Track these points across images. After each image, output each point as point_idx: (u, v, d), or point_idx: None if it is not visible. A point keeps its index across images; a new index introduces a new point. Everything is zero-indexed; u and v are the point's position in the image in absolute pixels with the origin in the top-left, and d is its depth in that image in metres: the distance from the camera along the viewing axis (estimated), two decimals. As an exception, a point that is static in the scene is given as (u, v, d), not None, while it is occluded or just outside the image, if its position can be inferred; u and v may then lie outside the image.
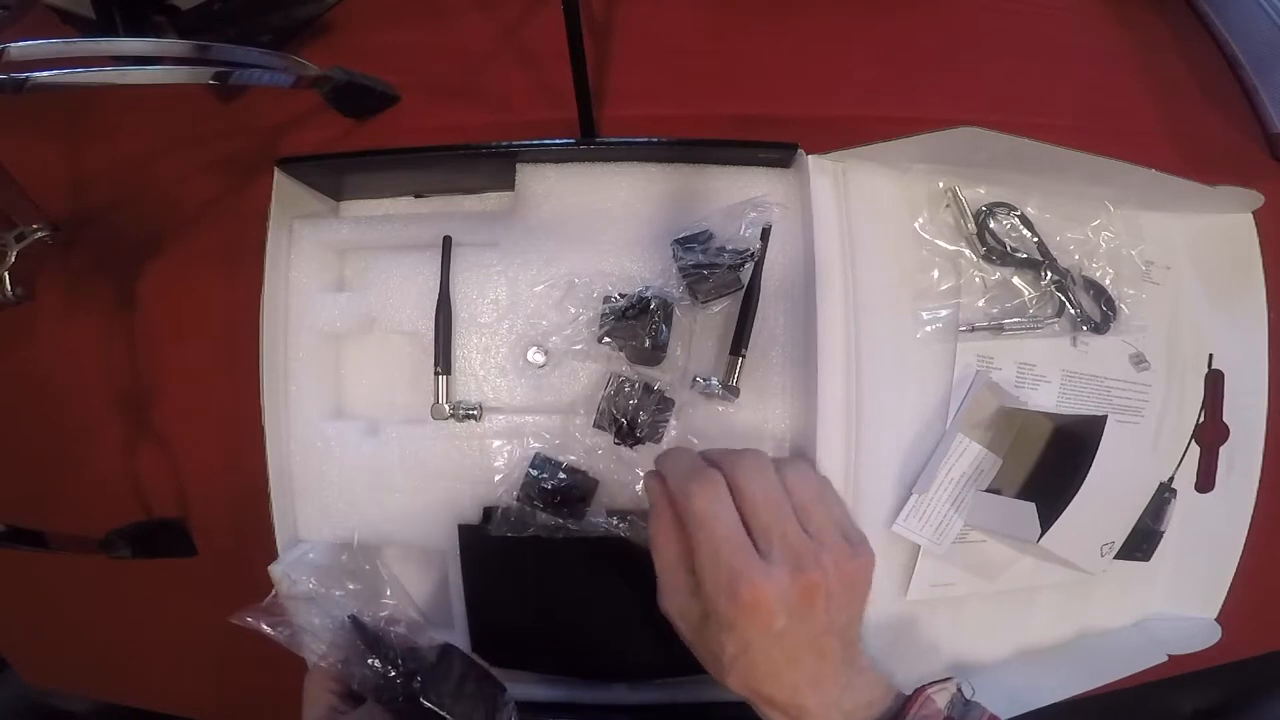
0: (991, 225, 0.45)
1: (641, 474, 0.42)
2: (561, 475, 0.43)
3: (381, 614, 0.39)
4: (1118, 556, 0.43)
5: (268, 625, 0.37)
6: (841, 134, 0.43)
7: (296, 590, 0.40)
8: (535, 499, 0.42)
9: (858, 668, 0.34)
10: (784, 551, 0.31)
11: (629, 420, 0.42)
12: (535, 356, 0.44)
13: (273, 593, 0.40)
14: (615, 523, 0.43)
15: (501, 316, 0.45)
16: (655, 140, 0.44)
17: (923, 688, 0.33)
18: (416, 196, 0.48)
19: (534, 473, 0.43)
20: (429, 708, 0.34)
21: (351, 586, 0.41)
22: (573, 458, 0.43)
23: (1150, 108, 0.52)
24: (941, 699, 0.33)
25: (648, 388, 0.42)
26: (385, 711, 0.35)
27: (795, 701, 0.32)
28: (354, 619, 0.38)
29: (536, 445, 0.44)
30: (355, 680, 0.36)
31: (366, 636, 0.37)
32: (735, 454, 0.33)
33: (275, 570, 0.42)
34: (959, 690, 0.34)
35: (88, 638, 0.53)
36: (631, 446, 0.42)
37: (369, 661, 0.36)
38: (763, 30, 0.51)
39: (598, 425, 0.43)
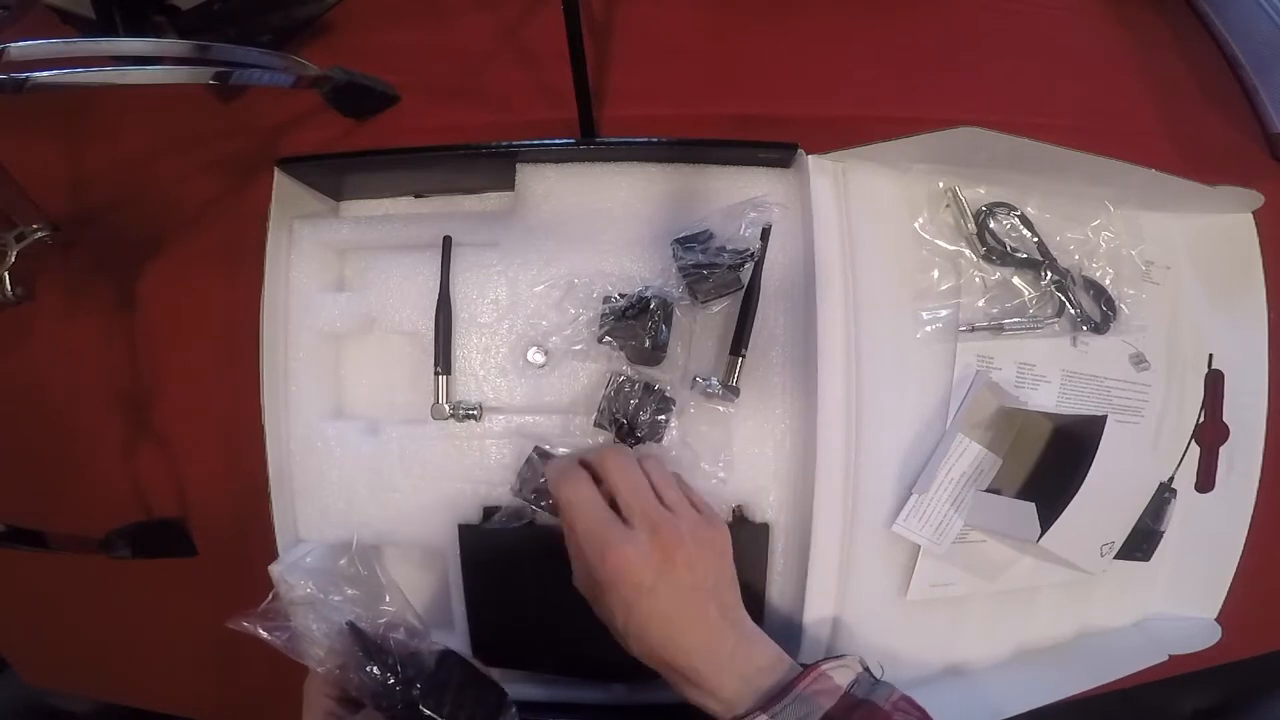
0: (991, 225, 0.45)
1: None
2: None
3: (380, 620, 0.39)
4: (1118, 556, 0.43)
5: (265, 630, 0.36)
6: (841, 134, 0.43)
7: (294, 595, 0.40)
8: (532, 494, 0.42)
9: (745, 633, 0.36)
10: (643, 520, 0.35)
11: (629, 420, 0.42)
12: (535, 356, 0.44)
13: (270, 595, 0.40)
14: None
15: (501, 316, 0.45)
16: (655, 140, 0.44)
17: (818, 663, 0.34)
18: (416, 196, 0.48)
19: (531, 469, 0.43)
20: (428, 715, 0.34)
21: (350, 591, 0.40)
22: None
23: (1150, 108, 0.52)
24: (841, 676, 0.34)
25: (648, 387, 0.42)
26: (384, 718, 0.35)
27: (690, 664, 0.34)
28: (352, 625, 0.37)
29: (541, 444, 0.44)
30: (354, 686, 0.36)
31: (365, 642, 0.36)
32: (601, 449, 0.39)
33: (274, 571, 0.42)
34: (865, 670, 0.35)
35: (88, 638, 0.53)
36: (632, 446, 0.42)
37: (367, 668, 0.35)
38: (763, 30, 0.51)
39: (598, 424, 0.43)
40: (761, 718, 0.32)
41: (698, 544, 0.36)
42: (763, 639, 0.37)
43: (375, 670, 0.35)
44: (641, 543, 0.35)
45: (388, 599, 0.42)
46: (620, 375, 0.43)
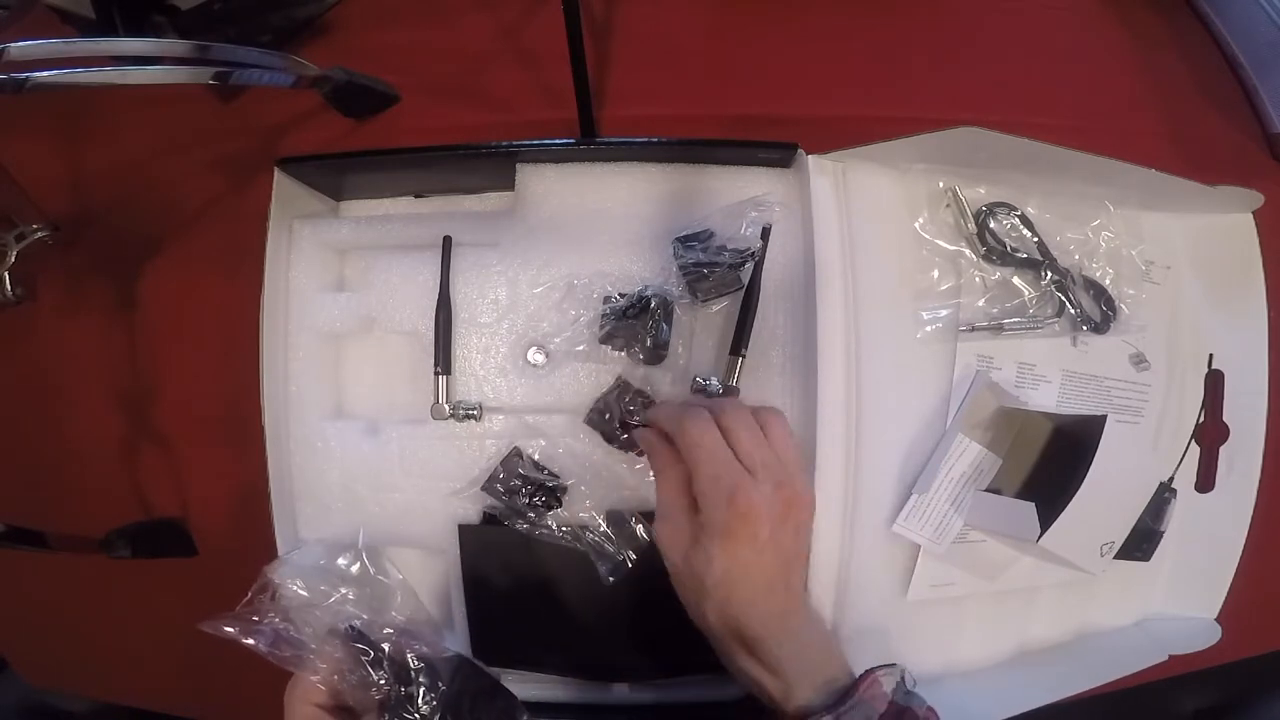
0: (991, 225, 0.45)
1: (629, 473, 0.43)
2: (533, 472, 0.42)
3: (389, 623, 0.37)
4: (1118, 556, 0.43)
5: (242, 633, 0.34)
6: (841, 134, 0.43)
7: (286, 592, 0.38)
8: (504, 493, 0.42)
9: (809, 614, 0.37)
10: (765, 471, 0.35)
11: (620, 421, 0.42)
12: (535, 357, 0.44)
13: (248, 595, 0.37)
14: (578, 531, 0.43)
15: (501, 316, 0.45)
16: (655, 140, 0.44)
17: (871, 670, 0.35)
18: (416, 196, 0.48)
19: (506, 466, 0.43)
20: None
21: (351, 593, 0.39)
22: (574, 457, 0.43)
23: (1150, 108, 0.52)
24: (888, 683, 0.34)
25: (643, 395, 0.42)
26: None
27: (760, 633, 0.34)
28: (354, 629, 0.35)
29: (540, 444, 0.44)
30: (355, 696, 0.34)
31: (369, 647, 0.34)
32: (717, 399, 0.39)
33: (267, 569, 0.40)
34: (902, 678, 0.35)
35: (88, 638, 0.53)
36: (617, 446, 0.43)
37: (376, 677, 0.33)
38: (762, 30, 0.51)
39: (588, 421, 0.43)
40: (827, 719, 0.32)
41: (807, 510, 0.37)
42: (820, 622, 0.38)
43: (384, 680, 0.34)
44: (766, 493, 0.34)
45: (399, 599, 0.40)
46: (622, 380, 0.43)
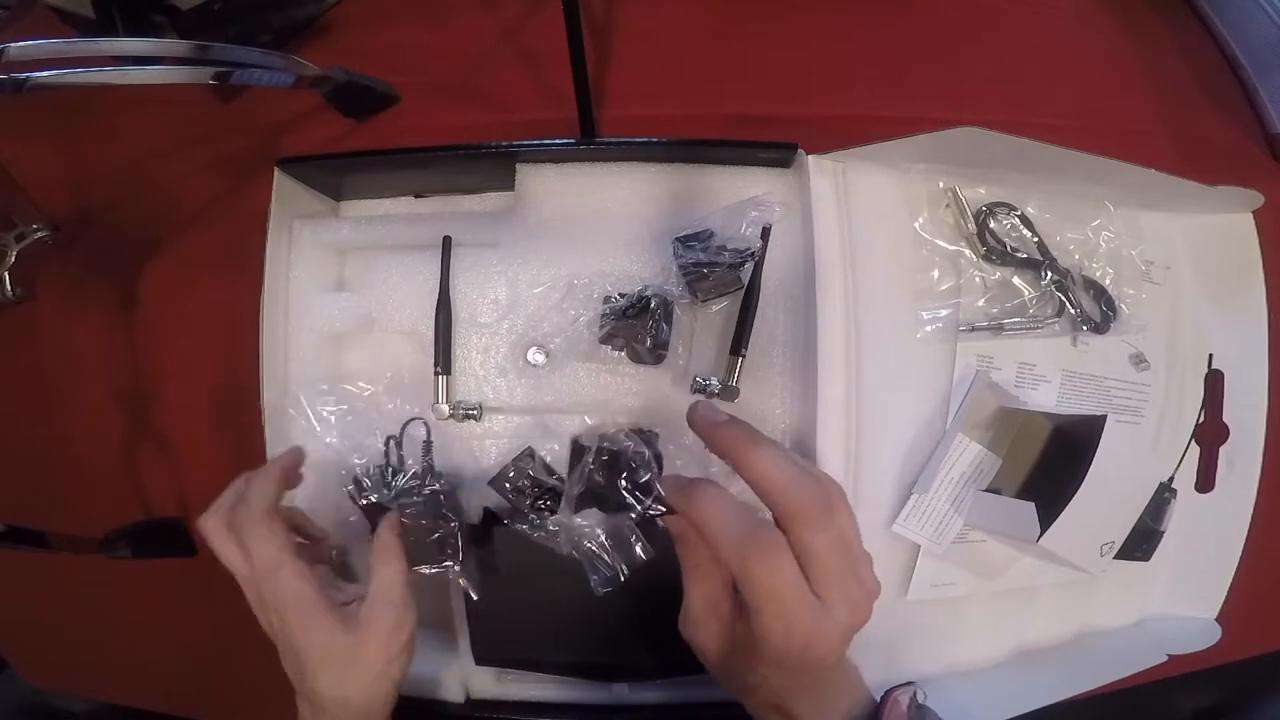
0: (991, 225, 0.45)
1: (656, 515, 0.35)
2: (543, 475, 0.42)
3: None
4: (1118, 556, 0.43)
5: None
6: (841, 134, 0.43)
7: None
8: (511, 492, 0.42)
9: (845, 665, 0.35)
10: (842, 597, 0.30)
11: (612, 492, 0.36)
12: (535, 357, 0.44)
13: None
14: (576, 540, 0.42)
15: (501, 316, 0.45)
16: (655, 140, 0.44)
17: (890, 690, 0.34)
18: (416, 196, 0.48)
19: (517, 465, 0.42)
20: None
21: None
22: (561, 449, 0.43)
23: (1150, 108, 0.52)
24: (904, 699, 0.33)
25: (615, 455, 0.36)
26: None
27: (801, 710, 0.32)
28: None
29: (554, 447, 0.43)
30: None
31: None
32: (799, 508, 0.29)
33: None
34: (914, 695, 0.34)
35: (88, 638, 0.53)
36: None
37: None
38: (763, 30, 0.51)
39: (493, 486, 0.41)
40: None
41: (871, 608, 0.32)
42: (853, 668, 0.35)
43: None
44: (842, 625, 0.30)
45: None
46: (589, 450, 0.36)
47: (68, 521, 0.45)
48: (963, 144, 0.40)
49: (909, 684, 0.34)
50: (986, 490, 0.44)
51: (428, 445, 0.41)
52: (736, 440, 0.31)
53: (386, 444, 0.41)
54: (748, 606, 0.30)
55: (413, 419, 0.41)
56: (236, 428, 0.45)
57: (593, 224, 0.45)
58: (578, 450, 0.37)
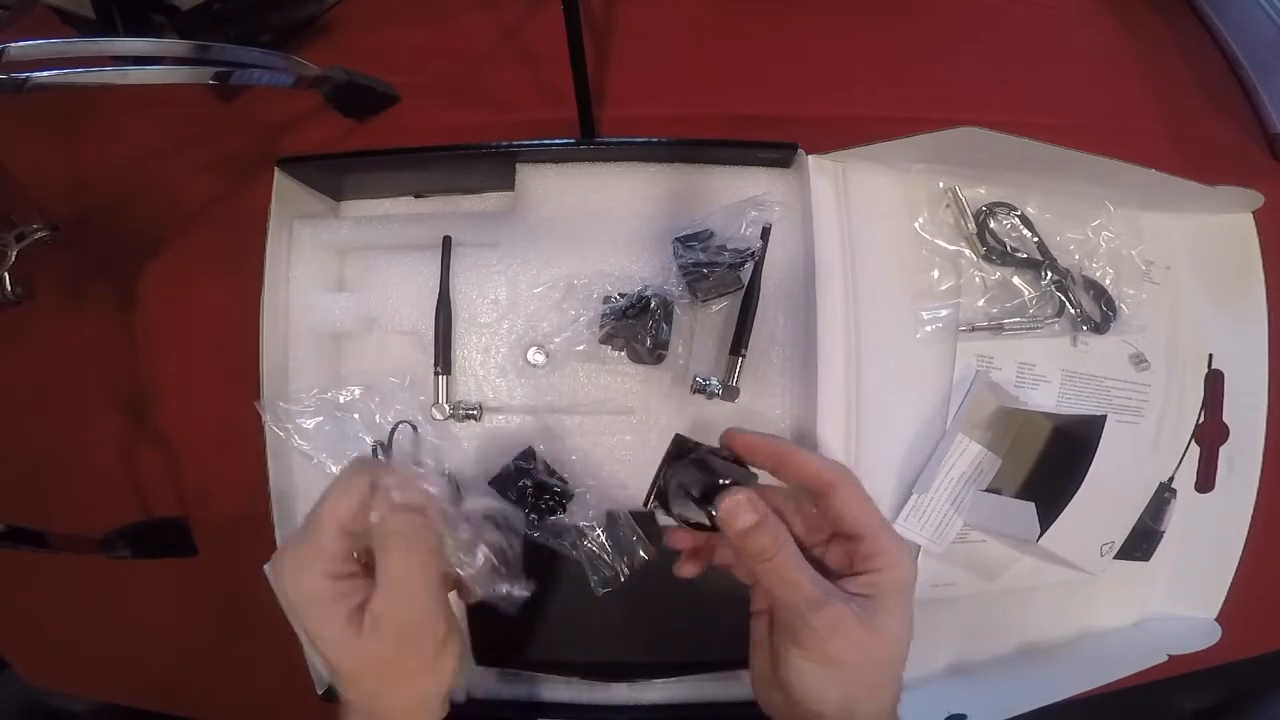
0: (991, 225, 0.45)
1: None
2: (545, 475, 0.42)
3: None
4: (1118, 556, 0.43)
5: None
6: (841, 134, 0.43)
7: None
8: (510, 491, 0.42)
9: None
10: (903, 616, 0.30)
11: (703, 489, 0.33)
12: (535, 357, 0.44)
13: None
14: (576, 539, 0.42)
15: (501, 316, 0.45)
16: (655, 140, 0.44)
17: None
18: (416, 196, 0.48)
19: (519, 465, 0.42)
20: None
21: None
22: (574, 456, 0.43)
23: (1150, 108, 0.52)
24: None
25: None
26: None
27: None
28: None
29: (555, 447, 0.44)
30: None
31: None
32: (836, 474, 0.30)
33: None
34: None
35: (88, 638, 0.53)
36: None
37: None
38: (762, 30, 0.51)
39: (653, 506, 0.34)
40: None
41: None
42: None
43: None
44: (904, 641, 0.30)
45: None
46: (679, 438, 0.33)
47: (68, 521, 0.45)
48: (963, 144, 0.40)
49: (961, 715, 0.34)
50: (986, 490, 0.44)
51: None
52: (775, 448, 0.32)
53: (374, 450, 0.37)
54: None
55: (400, 422, 0.38)
56: (236, 427, 0.45)
57: (593, 224, 0.45)
58: (682, 448, 0.33)
